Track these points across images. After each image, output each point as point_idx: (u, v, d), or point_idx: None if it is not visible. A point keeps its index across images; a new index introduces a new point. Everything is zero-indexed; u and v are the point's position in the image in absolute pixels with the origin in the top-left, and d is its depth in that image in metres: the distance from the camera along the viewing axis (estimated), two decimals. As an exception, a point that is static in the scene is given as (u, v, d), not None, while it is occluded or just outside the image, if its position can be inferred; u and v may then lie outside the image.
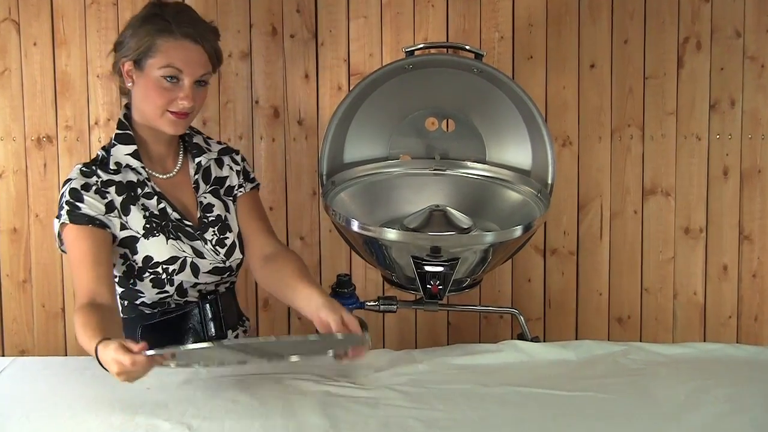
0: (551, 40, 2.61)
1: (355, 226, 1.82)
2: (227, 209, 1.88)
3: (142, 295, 1.76)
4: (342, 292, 1.90)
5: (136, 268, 1.74)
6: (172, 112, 1.73)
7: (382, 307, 1.94)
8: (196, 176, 1.86)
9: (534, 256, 2.70)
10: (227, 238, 1.85)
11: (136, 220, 1.74)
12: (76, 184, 1.71)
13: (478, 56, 2.03)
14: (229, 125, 2.59)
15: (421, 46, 2.10)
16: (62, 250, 1.75)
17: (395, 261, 1.87)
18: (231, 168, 1.92)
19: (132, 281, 1.75)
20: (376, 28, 2.59)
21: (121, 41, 1.77)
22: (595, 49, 2.62)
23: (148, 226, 1.75)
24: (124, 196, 1.74)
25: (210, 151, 1.90)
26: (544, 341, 1.91)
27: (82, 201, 1.70)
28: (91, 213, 1.70)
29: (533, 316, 2.72)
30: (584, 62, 2.63)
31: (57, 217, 1.72)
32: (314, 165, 2.55)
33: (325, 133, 2.08)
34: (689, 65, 2.63)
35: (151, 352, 1.38)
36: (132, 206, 1.74)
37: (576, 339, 2.62)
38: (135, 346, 1.39)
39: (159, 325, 1.80)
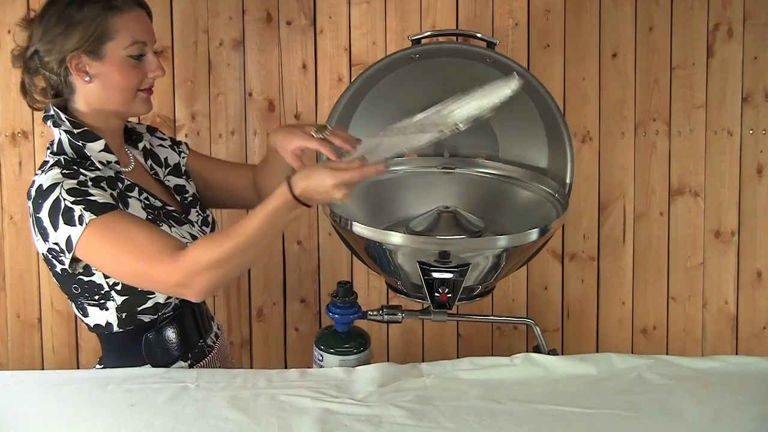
0: (570, 28, 2.62)
1: (356, 228, 1.82)
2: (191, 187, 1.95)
3: (152, 295, 1.75)
4: (342, 300, 1.90)
5: None
6: (142, 90, 1.75)
7: (386, 317, 1.94)
8: (149, 162, 1.90)
9: (551, 261, 2.70)
10: (208, 216, 1.93)
11: (138, 212, 1.74)
12: (69, 184, 1.65)
13: (491, 45, 2.04)
14: (220, 120, 2.60)
15: (429, 34, 2.10)
16: (72, 270, 1.68)
17: (400, 267, 1.87)
18: (163, 146, 1.96)
19: None
20: (380, 15, 2.59)
21: (38, 49, 1.70)
22: (617, 37, 2.62)
23: (148, 217, 1.75)
24: (118, 190, 1.73)
25: (143, 133, 1.93)
26: (562, 354, 1.91)
27: (90, 195, 1.64)
28: (110, 201, 1.65)
29: (550, 326, 2.72)
30: (606, 51, 2.63)
31: (67, 224, 1.61)
32: (314, 160, 2.54)
33: (325, 129, 2.08)
34: (720, 54, 2.63)
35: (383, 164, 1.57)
36: (129, 199, 1.74)
37: (597, 352, 2.62)
38: (340, 162, 1.60)
39: (160, 333, 1.80)
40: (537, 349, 1.96)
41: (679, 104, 2.65)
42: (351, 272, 2.67)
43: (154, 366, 1.78)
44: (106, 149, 1.75)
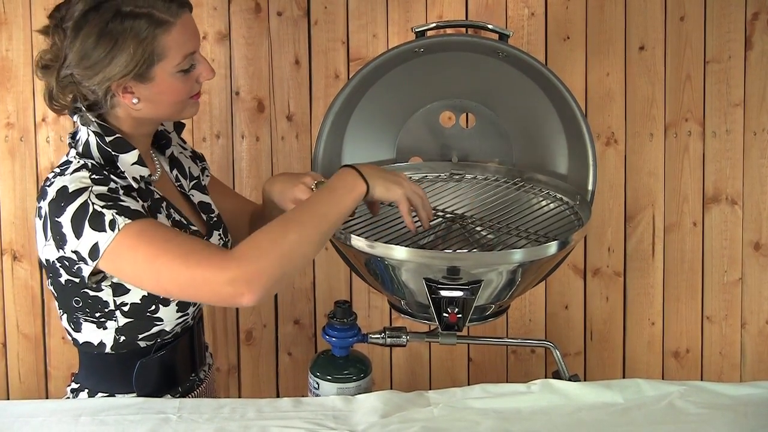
0: (592, 17, 2.63)
1: (355, 242, 1.83)
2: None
3: (159, 323, 1.75)
4: (340, 322, 1.90)
5: None
6: (192, 96, 1.75)
7: (389, 340, 1.95)
8: (174, 171, 1.89)
9: (572, 278, 2.71)
10: (229, 241, 1.92)
11: None
12: (99, 190, 1.64)
13: (504, 37, 2.05)
14: (204, 121, 2.60)
15: (435, 25, 2.11)
16: (88, 282, 1.67)
17: (405, 284, 1.88)
18: (184, 155, 1.95)
19: (154, 307, 1.74)
20: (381, 4, 2.60)
21: (74, 73, 1.67)
22: (645, 27, 2.63)
23: None
24: (148, 202, 1.73)
25: (171, 135, 1.91)
26: (585, 380, 1.91)
27: (122, 201, 1.64)
28: (142, 211, 1.65)
29: (572, 350, 2.72)
30: (632, 44, 2.64)
31: (95, 230, 1.59)
32: (306, 169, 2.56)
33: (320, 131, 2.09)
34: (759, 46, 2.64)
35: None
36: (159, 214, 1.74)
37: (623, 377, 2.62)
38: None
39: (154, 360, 1.80)
40: (557, 375, 1.96)
41: (714, 102, 2.66)
42: (350, 291, 2.67)
43: (140, 394, 1.79)
44: (140, 161, 1.73)
